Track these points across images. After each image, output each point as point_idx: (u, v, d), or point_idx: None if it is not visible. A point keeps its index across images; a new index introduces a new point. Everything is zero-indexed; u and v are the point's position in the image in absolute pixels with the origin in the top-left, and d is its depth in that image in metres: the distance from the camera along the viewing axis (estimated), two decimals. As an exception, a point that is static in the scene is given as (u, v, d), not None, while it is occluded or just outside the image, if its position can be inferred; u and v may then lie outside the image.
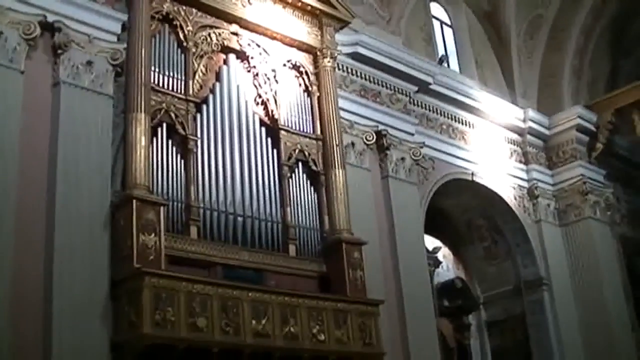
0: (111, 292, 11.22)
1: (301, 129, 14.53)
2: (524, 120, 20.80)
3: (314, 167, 14.46)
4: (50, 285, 10.74)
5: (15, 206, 10.76)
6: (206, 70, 13.56)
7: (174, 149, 12.59)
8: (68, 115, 11.69)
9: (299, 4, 15.03)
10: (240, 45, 14.19)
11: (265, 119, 14.21)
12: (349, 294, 13.52)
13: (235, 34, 14.15)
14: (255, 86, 14.29)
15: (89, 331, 10.82)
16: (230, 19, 14.09)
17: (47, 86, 11.82)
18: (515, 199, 20.19)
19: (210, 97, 13.46)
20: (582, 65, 22.50)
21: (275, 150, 13.98)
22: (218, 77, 13.79)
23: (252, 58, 14.27)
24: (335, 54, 15.42)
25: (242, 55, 14.23)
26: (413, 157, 16.90)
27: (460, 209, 20.38)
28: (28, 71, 11.57)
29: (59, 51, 11.93)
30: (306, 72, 15.07)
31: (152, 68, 12.65)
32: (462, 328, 20.25)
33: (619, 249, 21.84)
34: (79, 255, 11.04)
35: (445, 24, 21.49)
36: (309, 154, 14.46)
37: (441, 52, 20.46)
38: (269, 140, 13.98)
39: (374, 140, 16.29)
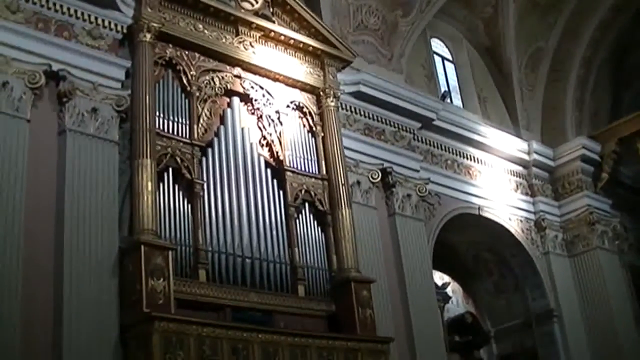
0: (121, 337, 11.21)
1: (306, 170, 14.59)
2: (529, 153, 20.82)
3: (320, 207, 14.50)
4: (60, 332, 10.74)
5: (23, 253, 10.78)
6: (210, 114, 13.65)
7: (181, 193, 12.66)
8: (74, 162, 11.76)
9: (301, 45, 15.16)
10: (244, 88, 14.30)
11: (271, 161, 14.28)
12: (359, 333, 13.48)
13: (238, 77, 14.26)
14: (260, 128, 14.38)
15: (100, 378, 10.83)
16: (233, 62, 14.22)
17: (53, 134, 11.92)
18: (523, 231, 20.16)
19: (215, 140, 13.54)
20: (584, 97, 22.55)
21: (281, 192, 14.03)
22: (222, 120, 13.88)
23: (255, 100, 14.37)
24: (338, 94, 15.52)
25: (245, 98, 14.34)
26: (419, 193, 16.89)
27: (467, 244, 20.35)
28: (34, 120, 11.68)
29: (64, 99, 12.05)
30: (310, 113, 15.17)
31: (157, 113, 12.75)
32: (474, 363, 20.18)
33: (628, 278, 21.72)
34: (88, 301, 11.04)
35: (447, 59, 21.59)
36: (315, 194, 14.50)
37: (443, 88, 20.54)
38: (275, 181, 14.03)
39: (380, 178, 16.28)
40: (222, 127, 13.78)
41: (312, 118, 15.14)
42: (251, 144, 13.99)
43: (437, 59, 21.16)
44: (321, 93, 15.30)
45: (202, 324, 11.41)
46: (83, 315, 10.93)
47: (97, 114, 12.27)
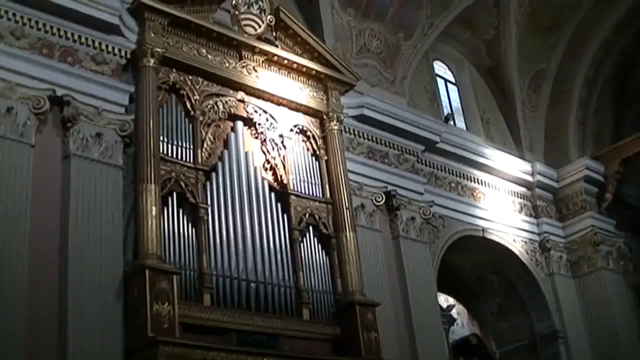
0: (126, 361, 11.22)
1: (310, 193, 14.61)
2: (532, 174, 20.84)
3: (324, 231, 14.50)
4: (64, 357, 10.72)
5: (27, 279, 10.78)
6: (214, 138, 13.68)
7: (185, 217, 12.67)
8: (78, 187, 11.78)
9: (304, 69, 15.20)
10: (247, 112, 14.34)
11: (275, 185, 14.29)
12: (364, 356, 13.45)
13: (242, 101, 14.30)
14: (264, 152, 14.42)
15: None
16: (237, 86, 14.25)
17: (57, 159, 11.94)
18: (527, 253, 20.14)
19: (219, 164, 13.56)
20: (587, 117, 22.59)
21: (285, 215, 14.04)
22: (226, 144, 13.91)
23: (259, 124, 14.41)
24: (342, 117, 15.56)
25: (249, 122, 14.37)
26: (423, 216, 16.89)
27: (472, 266, 20.33)
28: (38, 145, 11.70)
29: (69, 124, 12.07)
30: (313, 136, 15.20)
31: (161, 138, 12.78)
32: (480, 385, 20.15)
33: (633, 299, 21.69)
34: (92, 325, 11.03)
35: (449, 81, 21.63)
36: (319, 218, 14.51)
37: (446, 110, 20.57)
38: (279, 205, 14.04)
39: (384, 201, 16.27)
40: (225, 151, 13.80)
41: (316, 142, 15.18)
42: (255, 168, 14.02)
43: (440, 81, 21.21)
44: (324, 116, 15.33)
45: (207, 348, 11.43)
46: (88, 339, 10.91)
47: (101, 138, 12.29)
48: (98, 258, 11.52)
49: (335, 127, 15.31)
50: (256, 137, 14.41)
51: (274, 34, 15.20)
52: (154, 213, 11.94)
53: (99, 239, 11.65)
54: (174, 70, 13.52)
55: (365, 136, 16.65)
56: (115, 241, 11.88)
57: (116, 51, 13.04)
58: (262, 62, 14.68)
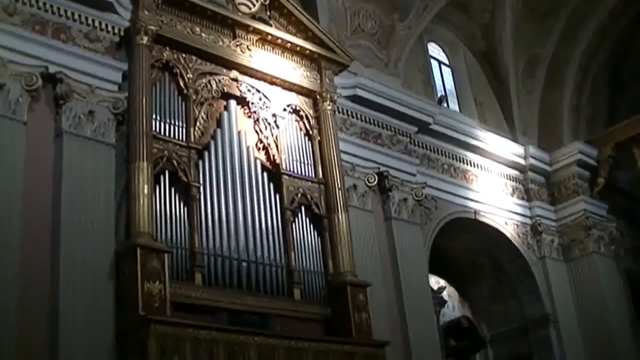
0: (117, 340, 11.19)
1: (303, 173, 14.58)
2: (525, 158, 20.84)
3: (316, 211, 14.49)
4: (56, 335, 10.72)
5: (19, 256, 10.77)
6: (207, 117, 13.64)
7: (177, 196, 12.64)
8: (71, 165, 11.75)
9: (298, 48, 15.16)
10: (240, 91, 14.30)
11: (267, 164, 14.27)
12: (354, 337, 13.48)
13: (235, 80, 14.26)
14: (256, 131, 14.38)
15: (96, 382, 10.81)
16: (230, 65, 14.21)
17: (49, 137, 11.90)
18: (519, 236, 20.16)
19: (212, 143, 13.54)
20: (581, 102, 22.59)
21: (277, 195, 14.02)
22: (219, 123, 13.87)
23: (252, 103, 14.37)
24: (335, 97, 15.51)
25: (242, 101, 14.33)
26: (415, 197, 16.89)
27: (463, 248, 20.32)
28: (30, 122, 11.66)
29: (61, 102, 12.03)
30: (306, 116, 15.16)
31: (154, 116, 12.73)
32: (470, 368, 20.20)
33: (624, 283, 21.74)
34: (84, 304, 11.02)
35: (444, 64, 21.62)
36: (312, 198, 14.50)
37: (440, 92, 20.55)
38: (271, 185, 14.03)
39: (376, 182, 16.28)
40: (218, 130, 13.77)
41: (309, 121, 15.14)
42: (248, 148, 13.99)
43: (434, 63, 21.20)
44: (318, 97, 15.30)
45: (198, 327, 11.40)
46: (79, 318, 10.91)
47: (94, 116, 12.25)
48: (90, 236, 11.50)
49: (329, 107, 15.27)
50: (249, 117, 14.38)
51: (268, 13, 15.13)
52: (146, 191, 11.90)
53: (91, 218, 11.62)
54: (168, 48, 13.46)
55: (359, 117, 16.62)
56: (107, 219, 11.86)
57: (110, 29, 12.98)
58: (256, 41, 14.63)
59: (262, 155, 14.30)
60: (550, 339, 19.77)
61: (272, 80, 14.78)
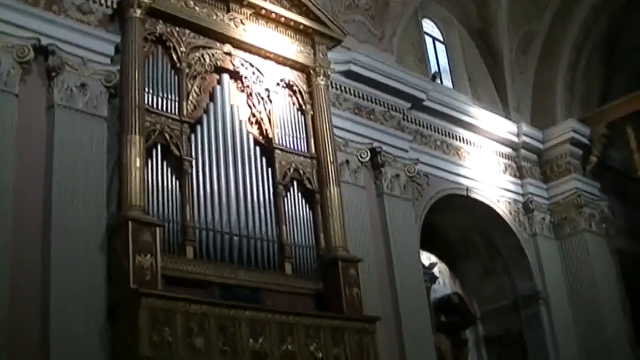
0: (108, 313, 11.20)
1: (295, 148, 14.55)
2: (518, 135, 20.83)
3: (309, 186, 14.47)
4: (47, 309, 10.71)
5: (11, 230, 10.73)
6: (200, 91, 13.58)
7: (169, 170, 12.60)
8: (62, 138, 11.69)
9: (292, 23, 15.09)
10: (234, 66, 14.23)
11: (260, 139, 14.23)
12: (345, 312, 13.50)
13: (229, 54, 14.19)
14: (249, 106, 14.33)
15: (87, 355, 10.79)
16: (223, 39, 14.13)
17: (41, 109, 11.83)
18: (511, 213, 20.20)
19: (205, 117, 13.48)
20: (575, 80, 22.56)
21: (270, 170, 14.00)
22: (212, 97, 13.82)
23: (245, 78, 14.32)
24: (329, 73, 15.45)
25: (235, 75, 14.28)
26: (408, 173, 16.92)
27: (455, 225, 20.36)
28: (22, 94, 11.59)
29: (53, 74, 11.96)
30: (300, 91, 15.11)
31: (146, 89, 12.66)
32: (460, 344, 20.25)
33: (615, 262, 21.81)
34: (75, 278, 11.00)
35: (438, 40, 21.58)
36: (304, 173, 14.47)
37: (434, 68, 20.55)
38: (264, 159, 14.00)
39: (369, 157, 16.29)
40: (211, 104, 13.71)
41: (302, 96, 15.09)
42: (240, 122, 13.94)
43: (428, 40, 21.16)
44: (311, 71, 15.24)
45: (190, 301, 11.40)
46: (71, 291, 10.89)
47: (86, 89, 12.19)
48: (82, 209, 11.46)
49: (322, 83, 15.23)
50: (242, 91, 14.32)
51: (263, -14, 15.08)
52: (137, 165, 11.86)
53: (82, 191, 11.58)
54: (161, 21, 13.36)
55: (352, 92, 16.59)
56: (98, 193, 11.82)
57: (102, 1, 12.85)
58: (250, 15, 14.55)
59: (254, 130, 14.26)
60: (540, 316, 19.86)
61: (265, 55, 14.71)
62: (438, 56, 21.26)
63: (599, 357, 19.76)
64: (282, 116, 14.61)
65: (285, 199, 14.07)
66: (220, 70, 14.08)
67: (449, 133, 19.26)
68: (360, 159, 16.15)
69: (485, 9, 21.30)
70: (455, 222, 20.12)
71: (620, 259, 22.02)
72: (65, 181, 11.49)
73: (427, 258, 19.43)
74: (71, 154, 11.69)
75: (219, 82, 14.04)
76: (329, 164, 14.61)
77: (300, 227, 14.05)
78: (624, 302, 21.28)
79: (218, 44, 14.09)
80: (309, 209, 14.40)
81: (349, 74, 16.48)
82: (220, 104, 13.78)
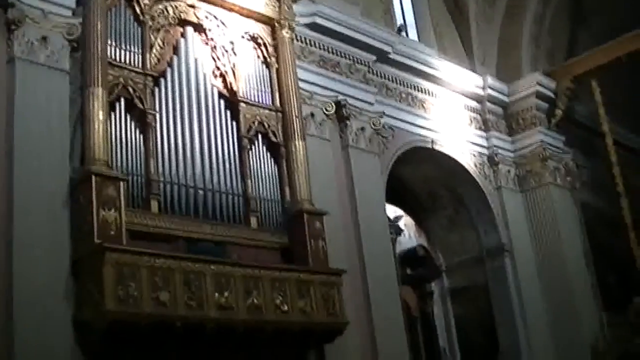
0: (72, 270, 11.14)
1: (260, 101, 14.46)
2: (483, 88, 20.83)
3: (273, 139, 14.41)
4: (10, 265, 10.63)
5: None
6: (163, 44, 13.41)
7: (133, 123, 12.47)
8: (23, 92, 11.51)
9: (256, -26, 14.96)
10: (198, 18, 14.06)
11: (224, 92, 14.11)
12: (311, 265, 13.55)
13: (192, 6, 14.00)
14: (214, 59, 14.19)
15: (52, 311, 10.74)
16: (187, -9, 13.99)
17: (1, 63, 11.62)
18: (476, 166, 20.26)
19: (169, 70, 13.33)
20: (541, 33, 22.50)
21: (234, 123, 13.91)
22: (176, 50, 13.65)
23: (209, 30, 14.17)
24: (293, 25, 15.32)
25: (199, 28, 14.11)
26: (373, 126, 16.91)
27: (421, 178, 20.40)
28: (-19, 48, 11.41)
29: (13, 27, 11.71)
30: (264, 44, 14.99)
31: (109, 42, 12.47)
32: (425, 296, 20.42)
33: (579, 215, 21.99)
34: (39, 233, 10.93)
35: (403, -8, 21.48)
36: (269, 126, 14.40)
37: (400, 21, 20.43)
38: (228, 112, 13.89)
39: (334, 110, 16.24)
40: (175, 57, 13.55)
41: (267, 49, 14.96)
42: (205, 75, 13.82)
43: (394, -8, 21.03)
44: (276, 24, 15.10)
45: (154, 255, 11.34)
46: (34, 246, 10.82)
47: (47, 42, 11.98)
48: (45, 164, 11.36)
49: (287, 35, 15.11)
50: (206, 44, 14.17)
51: (226, -63, 14.89)
52: (101, 118, 11.72)
53: (45, 145, 11.45)
54: (123, -27, 13.21)
55: (317, 45, 16.48)
56: (61, 147, 11.70)
57: (63, -48, 12.68)
58: (215, -34, 14.42)
59: (219, 83, 14.14)
60: (505, 269, 20.01)
61: (230, 7, 14.54)
62: (404, 9, 21.13)
63: (563, 309, 19.98)
64: (246, 69, 14.50)
65: (250, 153, 14.01)
66: (184, 22, 13.90)
67: (414, 86, 19.20)
68: (325, 112, 16.09)
69: (451, -41, 21.24)
70: (420, 175, 20.16)
71: (584, 212, 22.18)
72: (27, 136, 11.34)
73: (392, 211, 19.46)
74: (32, 108, 11.52)
75: (183, 35, 13.86)
76: (294, 117, 14.56)
77: (266, 180, 14.01)
78: (587, 255, 21.46)
79: (182, -4, 13.93)
80: (274, 163, 14.35)
81: (314, 27, 16.34)
82: (184, 57, 13.63)
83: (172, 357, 11.82)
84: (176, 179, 12.61)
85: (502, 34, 21.88)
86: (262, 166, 14.12)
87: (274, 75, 14.90)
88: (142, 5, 13.22)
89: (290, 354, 13.55)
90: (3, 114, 11.39)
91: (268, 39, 15.06)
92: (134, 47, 12.92)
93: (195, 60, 13.78)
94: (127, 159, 12.16)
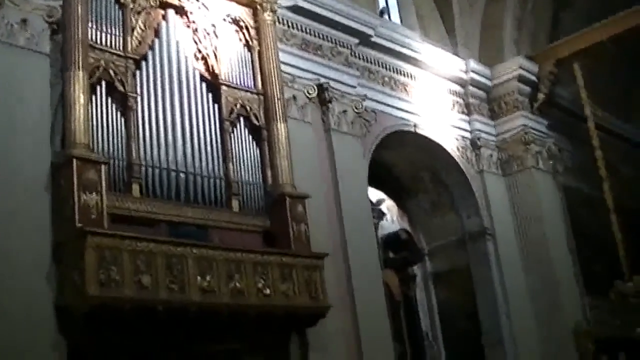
0: (54, 254, 11.09)
1: (242, 84, 14.42)
2: (466, 72, 20.82)
3: (255, 122, 14.38)
4: (-9, 247, 10.58)
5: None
6: (145, 27, 13.32)
7: (114, 106, 12.39)
8: (3, 75, 11.40)
9: (238, -44, 14.88)
10: (179, 0, 13.98)
11: (206, 75, 14.05)
12: (293, 248, 13.56)
13: (174, -12, 13.97)
14: (195, 41, 14.12)
15: (33, 295, 10.68)
16: (168, -27, 13.90)
17: (-20, 45, 11.56)
18: (458, 150, 20.27)
19: (150, 53, 13.25)
20: (524, 16, 22.49)
21: (216, 106, 13.86)
22: (157, 33, 13.56)
23: (191, 13, 14.10)
24: (275, 8, 15.24)
25: (181, 11, 14.03)
26: (355, 109, 16.89)
27: (403, 162, 20.40)
28: (-41, 30, 11.31)
29: (-9, 9, 11.65)
30: (246, 27, 14.92)
31: (90, 25, 12.37)
32: (408, 280, 20.44)
33: (562, 199, 22.05)
34: (20, 218, 10.85)
35: (386, -26, 21.42)
36: (251, 109, 14.36)
37: (382, 4, 20.41)
38: (210, 95, 13.84)
39: (316, 93, 16.21)
40: (156, 40, 13.47)
41: (249, 32, 14.89)
42: (186, 58, 13.74)
43: (378, -25, 20.98)
44: (258, 7, 15.01)
45: (136, 239, 11.31)
46: (15, 230, 10.75)
47: (27, 25, 11.86)
48: (26, 148, 11.26)
49: (269, 18, 15.03)
50: (188, 26, 14.08)
51: None
52: (82, 101, 11.65)
53: (26, 129, 11.35)
54: (104, -46, 13.10)
55: (299, 27, 16.41)
56: (42, 131, 11.61)
57: None
58: (196, -52, 14.33)
59: (200, 66, 14.07)
60: (487, 252, 20.06)
61: (211, -10, 14.51)
62: (386, -9, 21.11)
63: (546, 292, 20.07)
64: (228, 52, 14.44)
65: (232, 136, 13.97)
66: (165, 5, 13.82)
67: (396, 69, 19.16)
68: (307, 95, 16.05)
69: (433, -58, 21.19)
70: (403, 158, 20.17)
71: (566, 196, 22.23)
72: (8, 119, 11.25)
73: (375, 195, 19.47)
74: (13, 92, 11.42)
75: (164, 17, 13.78)
76: (276, 100, 14.53)
77: (247, 163, 13.99)
78: (569, 239, 21.52)
79: (163, -22, 13.85)
80: (256, 146, 14.32)
81: (296, 9, 16.27)
82: (165, 40, 13.56)
83: (155, 340, 11.78)
84: (158, 163, 12.56)
85: (484, 17, 21.84)
86: (244, 149, 14.08)
87: (256, 58, 14.84)
88: (123, -13, 13.14)
89: (273, 338, 13.56)
90: (-18, 97, 11.30)
91: (250, 22, 14.98)
92: (115, 29, 12.84)
93: (177, 43, 13.70)
94: (108, 142, 12.09)
